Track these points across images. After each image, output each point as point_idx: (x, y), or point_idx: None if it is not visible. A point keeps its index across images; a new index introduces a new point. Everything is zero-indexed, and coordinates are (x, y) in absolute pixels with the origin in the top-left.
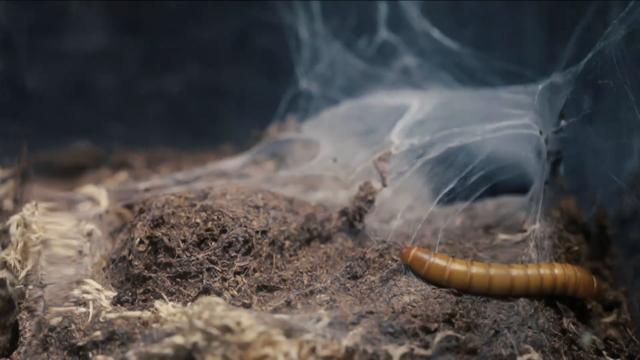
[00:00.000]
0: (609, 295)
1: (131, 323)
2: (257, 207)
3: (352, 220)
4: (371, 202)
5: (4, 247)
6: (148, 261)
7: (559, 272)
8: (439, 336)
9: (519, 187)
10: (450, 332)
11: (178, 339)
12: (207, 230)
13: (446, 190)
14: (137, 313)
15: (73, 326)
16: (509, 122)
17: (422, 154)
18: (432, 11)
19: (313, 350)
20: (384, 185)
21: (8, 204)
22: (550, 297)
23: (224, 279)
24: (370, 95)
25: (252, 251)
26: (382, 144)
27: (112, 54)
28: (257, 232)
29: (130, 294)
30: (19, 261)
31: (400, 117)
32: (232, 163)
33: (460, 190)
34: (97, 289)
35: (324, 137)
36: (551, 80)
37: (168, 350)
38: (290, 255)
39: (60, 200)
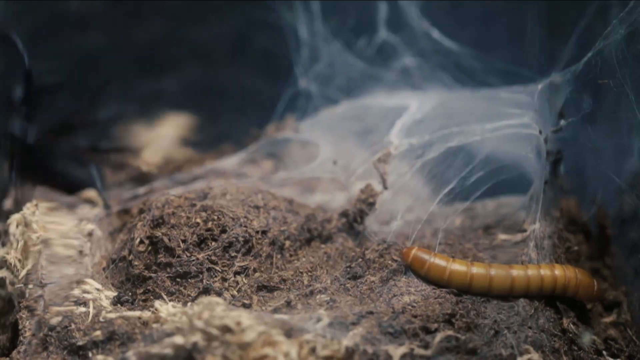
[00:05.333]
0: (609, 295)
1: (131, 323)
2: (257, 207)
3: (353, 222)
4: (372, 204)
5: (4, 246)
6: (148, 261)
7: (559, 273)
8: (439, 336)
9: (519, 187)
10: (450, 332)
11: (178, 339)
12: (207, 230)
13: (446, 190)
14: (137, 313)
15: (73, 326)
16: (508, 121)
17: (422, 154)
18: (432, 11)
19: (313, 350)
20: (385, 187)
21: (8, 203)
22: (550, 297)
23: (224, 279)
24: (369, 95)
25: (252, 251)
26: (382, 144)
27: (113, 54)
28: (257, 232)
29: (130, 293)
30: (19, 260)
31: (399, 116)
32: (229, 162)
33: (460, 190)
34: (97, 289)
35: (322, 138)
36: (551, 79)
37: (168, 351)
38: (291, 255)
39: (61, 201)
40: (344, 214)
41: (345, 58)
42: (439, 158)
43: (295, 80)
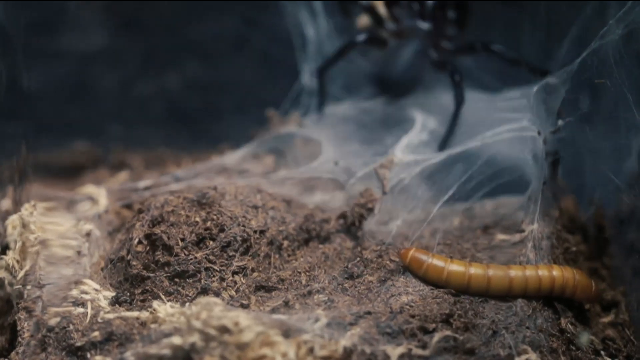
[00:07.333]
0: (607, 296)
1: (129, 323)
2: (255, 207)
3: (351, 225)
4: (371, 209)
5: (2, 247)
6: (146, 261)
7: (557, 274)
8: (437, 336)
9: (517, 187)
10: (448, 333)
11: (176, 340)
12: (206, 229)
13: (446, 197)
14: (135, 313)
15: (71, 326)
16: (507, 126)
17: (423, 161)
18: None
19: (311, 350)
20: (384, 192)
21: (7, 204)
22: (548, 297)
23: (222, 279)
24: (372, 95)
25: (250, 251)
26: (386, 155)
27: (112, 54)
28: (255, 231)
29: (128, 294)
30: (18, 261)
31: (404, 131)
32: (231, 157)
33: (460, 195)
34: (96, 289)
35: (326, 140)
36: (547, 80)
37: (166, 351)
38: (289, 256)
39: (60, 200)
40: (343, 216)
41: (348, 55)
42: (440, 164)
43: (298, 78)
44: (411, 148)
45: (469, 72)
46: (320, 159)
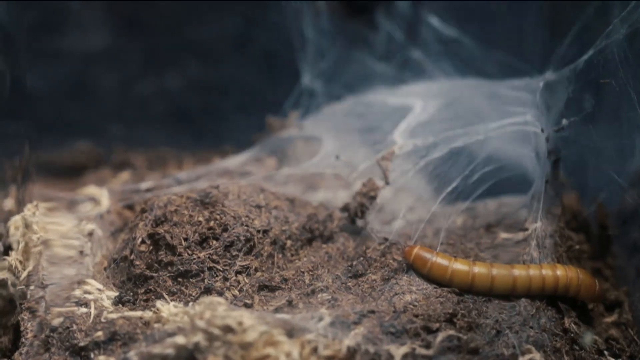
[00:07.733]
0: (611, 295)
1: (133, 323)
2: (258, 207)
3: (354, 216)
4: (373, 198)
5: (5, 247)
6: (150, 261)
7: (561, 273)
8: (440, 336)
9: (520, 186)
10: (451, 332)
11: (180, 339)
12: (209, 228)
13: (449, 189)
14: (138, 313)
15: (74, 326)
16: (511, 119)
17: (426, 154)
18: (433, 9)
19: (315, 350)
20: (387, 183)
21: (9, 204)
22: (552, 297)
23: (226, 279)
24: (372, 91)
25: (253, 250)
26: (385, 143)
27: (113, 54)
28: (258, 231)
29: (131, 293)
30: (20, 262)
31: (403, 117)
32: (233, 161)
33: (463, 189)
34: (99, 289)
35: (325, 134)
36: (552, 78)
37: (170, 351)
38: (292, 255)
39: (62, 200)
40: (345, 208)
41: (350, 54)
42: (443, 158)
43: (299, 78)
44: (410, 132)
45: (474, 63)
46: (321, 154)
